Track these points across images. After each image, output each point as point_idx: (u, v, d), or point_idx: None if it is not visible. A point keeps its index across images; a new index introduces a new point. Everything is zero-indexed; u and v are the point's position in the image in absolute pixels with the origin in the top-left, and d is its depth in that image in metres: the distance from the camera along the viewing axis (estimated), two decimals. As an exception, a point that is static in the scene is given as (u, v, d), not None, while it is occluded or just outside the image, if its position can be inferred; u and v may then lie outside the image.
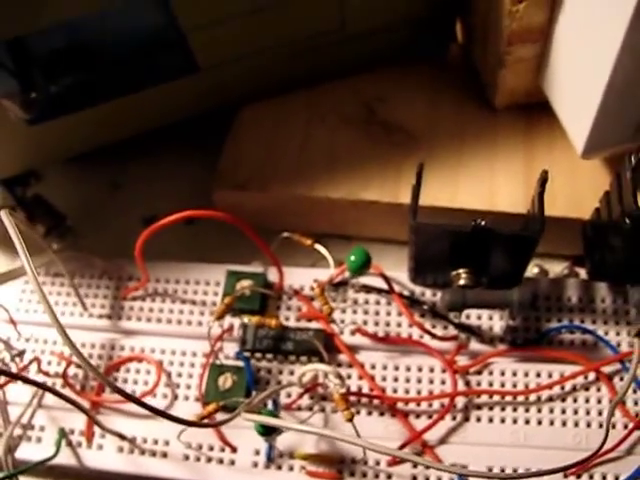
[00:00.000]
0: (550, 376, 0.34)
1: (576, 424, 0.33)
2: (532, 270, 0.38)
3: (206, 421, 0.32)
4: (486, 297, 0.32)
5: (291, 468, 0.33)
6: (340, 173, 0.38)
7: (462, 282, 0.33)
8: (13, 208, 0.40)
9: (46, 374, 0.36)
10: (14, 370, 0.36)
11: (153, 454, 0.33)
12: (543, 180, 0.30)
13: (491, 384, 0.34)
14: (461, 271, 0.33)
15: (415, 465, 0.32)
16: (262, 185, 0.38)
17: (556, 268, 0.38)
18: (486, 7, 0.36)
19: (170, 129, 0.40)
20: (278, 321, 0.34)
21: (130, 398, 0.26)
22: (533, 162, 0.37)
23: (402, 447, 0.33)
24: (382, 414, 0.34)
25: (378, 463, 0.32)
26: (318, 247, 0.36)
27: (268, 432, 0.30)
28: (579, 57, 0.32)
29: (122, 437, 0.34)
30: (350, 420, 0.30)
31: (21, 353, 0.37)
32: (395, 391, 0.34)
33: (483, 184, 0.36)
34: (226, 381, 0.34)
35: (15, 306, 0.38)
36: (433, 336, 0.34)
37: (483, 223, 0.30)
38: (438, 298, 0.35)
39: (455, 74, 0.41)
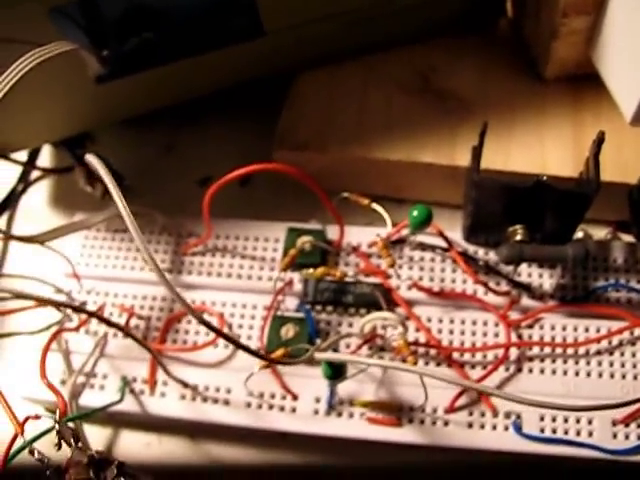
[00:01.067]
0: (598, 331, 0.35)
1: (623, 376, 0.34)
2: (577, 234, 0.39)
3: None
4: (542, 251, 0.34)
5: (351, 415, 0.34)
6: (397, 136, 0.39)
7: (518, 237, 0.34)
8: (73, 168, 0.42)
9: (109, 323, 0.37)
10: (75, 324, 0.37)
11: (215, 401, 0.34)
12: (599, 141, 0.32)
13: (542, 338, 0.35)
14: (517, 227, 0.34)
15: (471, 412, 0.34)
16: (321, 146, 0.39)
17: (599, 233, 0.39)
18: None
19: (222, 94, 0.41)
20: (341, 272, 0.35)
21: (216, 331, 0.27)
22: (581, 129, 0.38)
23: (459, 395, 0.34)
24: (439, 364, 0.35)
25: (435, 410, 0.34)
26: (375, 206, 0.37)
27: (336, 375, 0.31)
28: (631, 28, 0.34)
29: (185, 384, 0.35)
30: (415, 363, 0.32)
31: (83, 305, 0.38)
32: (451, 343, 0.35)
33: (534, 149, 0.38)
34: (288, 331, 0.35)
35: (76, 260, 0.39)
36: (490, 290, 0.35)
37: (545, 178, 0.32)
38: (491, 255, 0.37)
39: (505, 46, 0.42)
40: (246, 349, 0.28)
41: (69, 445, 0.26)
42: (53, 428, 0.28)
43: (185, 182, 0.42)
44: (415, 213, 0.34)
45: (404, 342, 0.32)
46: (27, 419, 0.27)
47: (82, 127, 0.40)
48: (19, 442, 0.27)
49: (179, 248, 0.39)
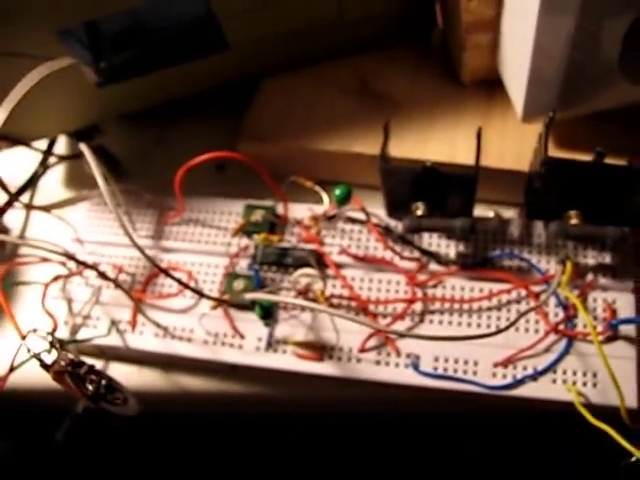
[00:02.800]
0: (488, 291, 0.43)
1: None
2: (489, 213, 0.47)
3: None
4: (435, 223, 0.42)
5: (284, 351, 0.41)
6: (337, 130, 0.46)
7: (419, 212, 0.42)
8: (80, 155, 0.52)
9: (103, 275, 0.46)
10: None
11: (181, 339, 0.43)
12: (478, 134, 0.40)
13: (443, 296, 0.43)
14: (419, 203, 0.42)
15: (379, 353, 0.42)
16: (276, 138, 0.47)
17: (508, 213, 0.47)
18: (451, 1, 0.45)
19: (204, 96, 0.50)
20: (280, 237, 0.44)
21: (182, 283, 0.37)
22: (489, 124, 0.46)
23: (369, 337, 0.42)
24: (357, 314, 0.43)
25: (350, 350, 0.42)
26: (316, 188, 0.46)
27: (265, 314, 0.40)
28: (516, 41, 0.42)
29: (158, 325, 0.44)
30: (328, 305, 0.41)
31: (84, 263, 0.48)
32: (369, 298, 0.44)
33: (448, 142, 0.46)
34: (239, 285, 0.44)
35: (80, 227, 0.49)
36: (399, 255, 0.44)
37: (428, 164, 0.40)
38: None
39: (434, 55, 0.51)
40: (197, 292, 0.38)
41: (57, 350, 0.36)
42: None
43: (172, 168, 0.50)
44: (337, 191, 0.43)
45: (320, 291, 0.41)
46: (29, 332, 0.37)
47: (88, 120, 0.50)
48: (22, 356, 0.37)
49: (161, 219, 0.48)
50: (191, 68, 0.47)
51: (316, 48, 0.49)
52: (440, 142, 0.46)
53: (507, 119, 0.46)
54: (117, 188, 0.46)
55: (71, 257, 0.41)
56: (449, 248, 0.45)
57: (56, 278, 0.44)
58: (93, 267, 0.43)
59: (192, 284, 0.45)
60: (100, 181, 0.40)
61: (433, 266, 0.44)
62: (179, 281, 0.39)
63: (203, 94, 0.50)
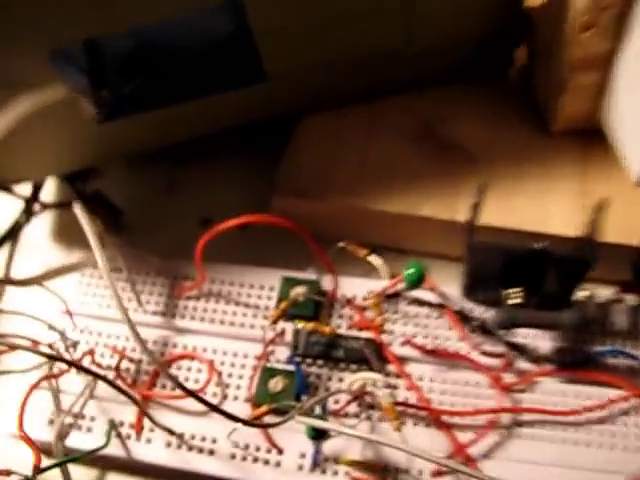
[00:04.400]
0: (591, 398, 0.34)
1: (611, 448, 0.33)
2: (581, 294, 0.38)
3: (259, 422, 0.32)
4: (537, 317, 0.33)
5: (335, 473, 0.33)
6: (397, 187, 0.38)
7: (513, 301, 0.33)
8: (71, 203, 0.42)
9: (99, 366, 0.37)
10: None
11: (200, 451, 0.34)
12: (600, 207, 0.31)
13: (539, 405, 0.34)
14: (513, 290, 0.34)
15: (458, 478, 0.33)
16: (320, 194, 0.38)
17: (604, 293, 0.38)
18: (550, 33, 0.36)
19: (229, 134, 0.41)
20: (331, 328, 0.34)
21: (187, 391, 0.27)
22: (588, 186, 0.37)
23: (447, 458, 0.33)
24: (428, 425, 0.34)
25: (421, 473, 0.33)
26: (372, 258, 0.37)
27: (319, 435, 0.31)
28: (637, 87, 0.33)
29: (171, 432, 0.34)
30: (398, 429, 0.31)
31: (75, 344, 0.38)
32: (441, 403, 0.35)
33: (538, 206, 0.37)
34: (277, 384, 0.35)
35: (71, 298, 0.39)
36: (482, 352, 0.34)
37: (542, 245, 0.31)
38: (487, 315, 0.36)
39: (512, 97, 0.42)
40: (222, 412, 0.28)
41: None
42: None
43: (185, 222, 0.42)
44: (410, 271, 0.34)
45: (388, 405, 0.31)
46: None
47: (83, 163, 0.40)
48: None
49: (174, 291, 0.39)
50: (215, 101, 0.37)
51: (372, 82, 0.40)
52: (529, 206, 0.37)
53: (609, 180, 0.37)
54: (117, 249, 0.37)
55: (57, 358, 0.31)
56: (539, 341, 0.36)
57: (37, 384, 0.34)
58: (74, 365, 0.33)
59: (214, 378, 0.36)
60: (94, 243, 0.30)
61: (521, 364, 0.35)
62: (186, 389, 0.29)
63: (226, 133, 0.40)
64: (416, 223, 0.38)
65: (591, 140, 0.39)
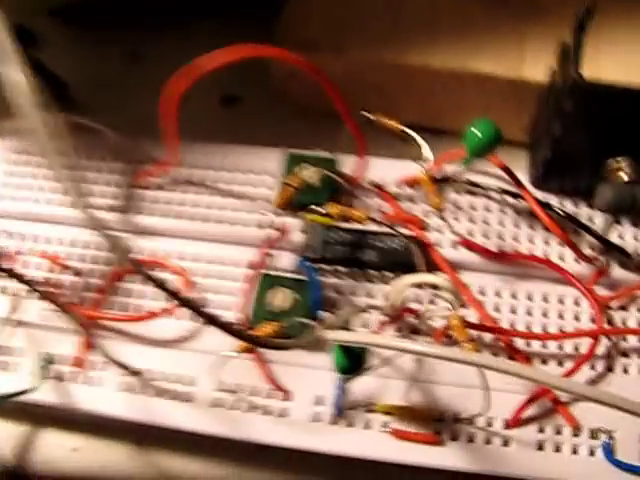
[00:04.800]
0: None
1: None
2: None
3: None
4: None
5: (368, 426, 0.25)
6: (443, 37, 0.30)
7: (624, 175, 0.25)
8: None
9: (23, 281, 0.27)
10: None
11: (172, 396, 0.26)
12: None
13: None
14: (623, 160, 0.24)
15: (542, 428, 0.24)
16: (337, 45, 0.30)
17: None
18: None
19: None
20: (361, 214, 0.24)
21: (173, 294, 0.18)
22: None
23: (528, 403, 0.24)
24: (495, 355, 0.26)
25: (490, 424, 0.24)
26: (409, 132, 0.27)
27: (354, 366, 0.21)
28: None
29: (129, 369, 0.26)
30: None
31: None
32: (513, 326, 0.26)
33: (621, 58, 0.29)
34: (282, 299, 0.26)
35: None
36: (580, 255, 0.25)
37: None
38: (568, 207, 0.27)
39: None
40: (217, 322, 0.18)
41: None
42: None
43: (153, 98, 0.32)
44: (479, 129, 0.24)
45: (459, 322, 0.22)
46: None
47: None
48: None
49: (136, 179, 0.30)
50: None
51: None
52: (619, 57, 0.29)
53: None
54: (60, 122, 0.27)
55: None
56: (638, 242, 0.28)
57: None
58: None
59: (193, 295, 0.27)
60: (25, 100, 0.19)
61: (618, 271, 0.27)
62: (171, 292, 0.19)
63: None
64: (467, 85, 0.30)
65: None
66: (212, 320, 0.19)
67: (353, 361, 0.21)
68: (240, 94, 0.35)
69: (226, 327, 0.19)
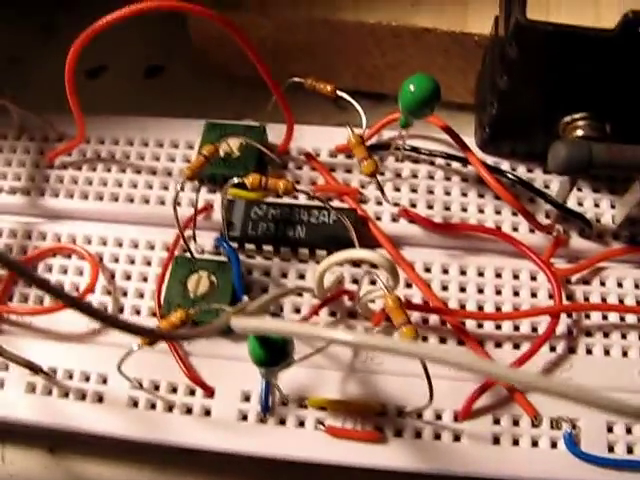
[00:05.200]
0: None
1: None
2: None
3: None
4: (624, 154, 0.20)
5: (301, 423, 0.22)
6: None
7: (580, 132, 0.22)
8: None
9: None
10: None
11: (82, 396, 0.23)
12: None
13: (604, 299, 0.24)
14: (579, 116, 0.21)
15: (498, 420, 0.22)
16: (262, 4, 0.28)
17: None
18: None
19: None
20: (289, 184, 0.21)
21: (65, 298, 0.15)
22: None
23: (480, 392, 0.22)
24: (443, 340, 0.23)
25: (439, 416, 0.22)
26: (342, 95, 0.25)
27: (274, 358, 0.18)
28: None
29: (33, 369, 0.23)
30: (415, 339, 0.19)
31: None
32: (463, 306, 0.24)
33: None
34: (200, 284, 0.23)
35: None
36: (534, 224, 0.22)
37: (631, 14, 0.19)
38: (520, 171, 0.25)
39: None
40: (103, 317, 0.15)
41: None
42: None
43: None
44: (412, 87, 0.21)
45: (395, 302, 0.19)
46: None
47: None
48: None
49: (43, 158, 0.27)
50: None
51: None
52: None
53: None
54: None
55: None
56: (600, 208, 0.25)
57: None
58: None
59: (102, 282, 0.24)
60: None
61: (578, 241, 0.25)
62: (56, 292, 0.16)
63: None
64: (405, 40, 0.27)
65: None
66: (99, 316, 0.16)
67: (272, 352, 0.18)
68: (165, 64, 0.33)
69: (113, 322, 0.16)
